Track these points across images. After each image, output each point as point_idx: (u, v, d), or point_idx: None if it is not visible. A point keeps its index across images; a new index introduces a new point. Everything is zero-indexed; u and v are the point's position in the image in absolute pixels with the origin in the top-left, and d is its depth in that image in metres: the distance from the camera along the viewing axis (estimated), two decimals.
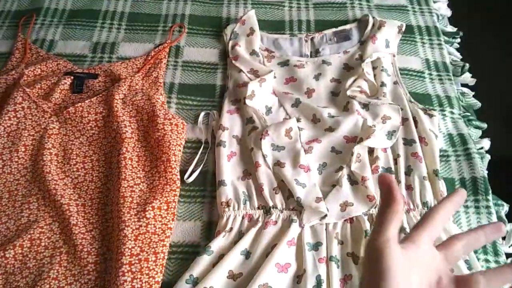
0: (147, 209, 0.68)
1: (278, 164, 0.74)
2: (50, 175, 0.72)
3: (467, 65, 0.93)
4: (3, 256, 0.64)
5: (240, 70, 0.88)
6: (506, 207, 0.74)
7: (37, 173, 0.73)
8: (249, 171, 0.75)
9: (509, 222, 0.73)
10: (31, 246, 0.66)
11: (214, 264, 0.64)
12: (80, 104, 0.81)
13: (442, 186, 0.72)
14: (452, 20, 1.08)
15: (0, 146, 0.75)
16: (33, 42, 0.95)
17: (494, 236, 0.41)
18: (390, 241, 0.35)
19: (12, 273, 0.64)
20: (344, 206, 0.69)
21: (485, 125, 0.86)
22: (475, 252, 0.67)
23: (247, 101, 0.81)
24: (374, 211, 0.69)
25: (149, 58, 0.91)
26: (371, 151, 0.76)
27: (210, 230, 0.70)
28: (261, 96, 0.84)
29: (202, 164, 0.77)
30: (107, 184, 0.74)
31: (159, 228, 0.67)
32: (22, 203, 0.71)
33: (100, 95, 0.82)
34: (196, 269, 0.63)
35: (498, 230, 0.41)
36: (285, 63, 0.91)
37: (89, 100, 0.81)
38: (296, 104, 0.84)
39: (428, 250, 0.38)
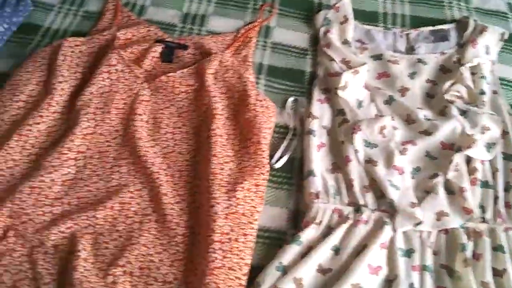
0: (237, 189, 0.66)
1: (370, 161, 0.72)
2: (141, 141, 0.72)
3: None
4: (93, 216, 0.64)
5: (332, 59, 0.85)
6: None
7: (128, 138, 0.73)
8: (338, 164, 0.73)
9: None
10: (121, 209, 0.66)
11: (303, 255, 0.63)
12: (172, 74, 0.80)
13: None
14: None
15: (93, 106, 0.75)
16: (124, 5, 0.94)
17: None
18: None
19: (101, 233, 0.64)
20: (440, 215, 0.67)
21: None
22: None
23: (339, 92, 0.79)
24: (471, 224, 0.66)
25: (239, 35, 0.89)
26: (468, 161, 0.73)
27: (297, 219, 0.69)
28: (353, 88, 0.81)
29: (290, 151, 0.75)
30: (196, 157, 0.73)
31: (248, 210, 0.66)
32: (113, 166, 0.71)
33: (192, 67, 0.81)
34: (285, 258, 0.62)
35: None
36: (378, 57, 0.88)
37: (181, 71, 0.80)
38: (389, 101, 0.81)
39: None
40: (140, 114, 0.75)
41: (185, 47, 0.86)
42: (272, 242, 0.66)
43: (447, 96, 0.79)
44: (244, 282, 0.61)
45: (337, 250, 0.64)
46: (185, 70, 0.81)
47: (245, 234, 0.63)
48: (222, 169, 0.69)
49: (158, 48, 0.85)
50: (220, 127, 0.73)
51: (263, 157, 0.71)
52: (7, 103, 0.75)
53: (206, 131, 0.73)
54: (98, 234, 0.64)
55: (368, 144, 0.74)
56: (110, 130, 0.74)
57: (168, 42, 0.86)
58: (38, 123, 0.73)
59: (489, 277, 0.61)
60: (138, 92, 0.78)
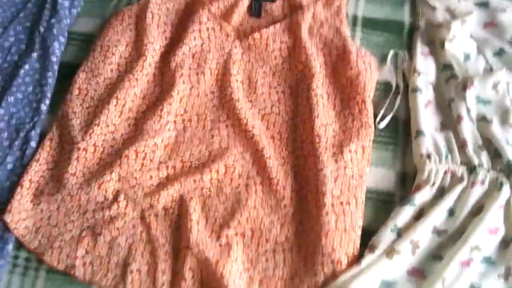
0: (344, 151, 0.64)
1: (484, 119, 0.67)
2: (238, 103, 0.70)
3: None
4: (200, 179, 0.64)
5: (434, 7, 0.79)
6: None
7: (224, 100, 0.72)
8: (447, 122, 0.69)
9: None
10: (225, 172, 0.66)
11: (416, 217, 0.61)
12: (264, 30, 0.76)
13: None
14: None
15: (186, 67, 0.74)
16: None
17: None
18: None
19: (209, 196, 0.64)
20: None
21: None
22: None
23: (447, 45, 0.73)
24: None
25: None
26: None
27: (404, 180, 0.66)
28: (461, 40, 0.75)
29: (394, 110, 0.71)
30: (295, 119, 0.70)
31: (356, 172, 0.64)
32: (212, 128, 0.70)
33: (284, 22, 0.77)
34: (399, 220, 0.60)
35: None
36: (483, 4, 0.80)
37: (273, 26, 0.77)
38: (500, 53, 0.74)
39: None
40: (234, 75, 0.73)
41: None
42: (381, 204, 0.64)
43: None
44: (358, 244, 0.60)
45: (452, 212, 0.61)
46: (277, 25, 0.77)
47: (356, 197, 0.62)
48: (326, 131, 0.66)
49: (246, 2, 0.81)
50: (320, 86, 0.70)
51: (369, 118, 0.68)
52: (100, 65, 0.75)
53: (305, 91, 0.71)
54: (206, 197, 0.64)
55: (481, 101, 0.69)
56: (206, 92, 0.73)
57: None
58: (134, 87, 0.72)
59: None
60: (230, 51, 0.75)
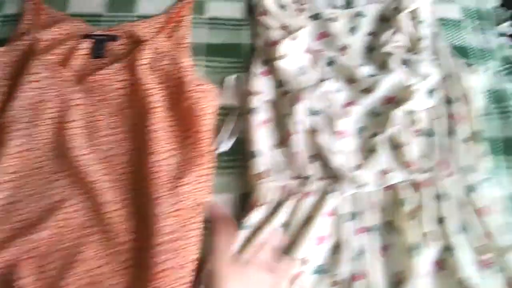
0: (179, 184, 0.66)
1: (313, 130, 0.71)
2: (76, 150, 0.69)
3: (510, 12, 0.86)
4: (36, 238, 0.63)
5: (269, 27, 0.82)
6: None
7: (63, 149, 0.70)
8: (284, 138, 0.72)
9: None
10: (64, 226, 0.65)
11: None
12: (104, 71, 0.77)
13: (483, 148, 0.69)
14: None
15: (23, 120, 0.72)
16: (45, 2, 0.89)
17: None
18: (227, 264, 0.42)
19: (47, 254, 0.63)
20: (383, 173, 0.67)
21: None
22: None
23: (279, 62, 0.77)
24: (413, 176, 0.67)
25: (172, 15, 0.85)
26: (410, 112, 0.72)
27: (245, 202, 0.68)
28: (294, 55, 0.79)
29: (235, 133, 0.74)
30: (137, 158, 0.71)
31: (193, 204, 0.65)
32: (51, 181, 0.69)
33: (124, 60, 0.78)
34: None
35: None
36: (316, 17, 0.85)
37: (112, 66, 0.77)
38: (331, 63, 0.79)
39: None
40: (74, 121, 0.72)
41: (115, 37, 0.83)
42: None
43: (386, 48, 0.77)
44: (189, 280, 0.60)
45: (284, 227, 0.64)
46: (117, 64, 0.78)
47: (190, 230, 0.63)
48: (163, 166, 0.67)
49: (86, 44, 0.81)
50: (159, 121, 0.71)
51: (205, 145, 0.70)
52: None
53: (144, 128, 0.72)
54: (42, 256, 0.62)
55: (311, 112, 0.73)
56: (44, 143, 0.71)
57: (95, 36, 0.82)
58: None
59: (432, 226, 0.62)
60: (70, 97, 0.75)
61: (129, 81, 0.77)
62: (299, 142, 0.70)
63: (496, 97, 0.77)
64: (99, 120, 0.74)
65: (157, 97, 0.74)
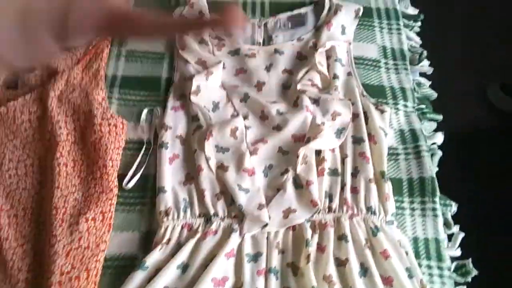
0: (80, 221, 0.65)
1: (221, 167, 0.71)
2: None
3: (425, 52, 0.90)
4: None
5: (187, 61, 0.83)
6: (454, 207, 0.73)
7: None
8: (192, 175, 0.72)
9: (455, 223, 0.72)
10: None
11: (150, 279, 0.62)
12: (12, 102, 0.76)
13: (388, 189, 0.70)
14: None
15: None
16: None
17: None
18: None
19: None
20: (287, 212, 0.67)
21: (440, 117, 0.84)
22: (417, 257, 0.66)
23: (192, 97, 0.77)
24: (317, 217, 0.68)
25: (90, 47, 0.85)
26: (318, 151, 0.73)
27: (150, 241, 0.67)
28: (208, 90, 0.79)
29: (143, 168, 0.73)
30: (41, 192, 0.70)
31: (92, 241, 0.64)
32: None
33: (35, 92, 0.77)
34: (131, 286, 0.61)
35: None
36: (235, 52, 0.86)
37: (22, 98, 0.76)
38: (245, 99, 0.80)
39: None
40: None
41: (30, 69, 0.82)
42: (122, 271, 0.64)
43: (299, 86, 0.79)
44: None
45: (184, 268, 0.63)
46: (27, 96, 0.77)
47: (88, 269, 0.62)
48: (66, 201, 0.66)
49: (1, 75, 0.80)
50: (65, 155, 0.71)
51: (110, 181, 0.69)
52: None
53: (50, 161, 0.71)
54: None
55: (220, 149, 0.73)
56: None
57: None
58: None
59: (331, 270, 0.62)
60: None
61: (38, 113, 0.76)
62: (208, 179, 0.70)
63: (408, 137, 0.79)
64: (6, 153, 0.73)
65: (65, 130, 0.73)
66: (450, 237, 0.71)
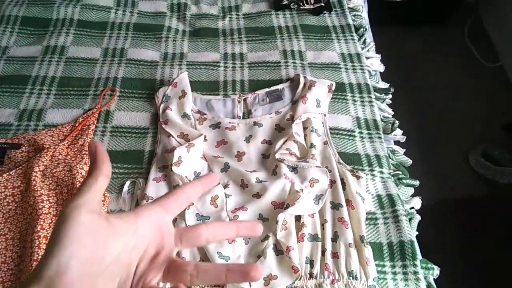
0: None
1: None
2: None
3: (397, 122, 0.95)
4: None
5: (169, 135, 0.87)
6: (436, 271, 0.73)
7: None
8: None
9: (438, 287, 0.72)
10: None
11: None
12: None
13: (368, 253, 0.70)
14: (384, 75, 1.11)
15: None
16: None
17: (247, 233, 0.41)
18: (80, 208, 0.33)
19: None
20: (268, 279, 0.67)
21: (417, 183, 0.87)
22: None
23: (174, 168, 0.79)
24: (298, 283, 0.67)
25: (77, 124, 0.89)
26: (298, 217, 0.74)
27: None
28: (189, 162, 0.82)
29: None
30: (20, 265, 0.69)
31: None
32: None
33: (20, 167, 0.79)
34: None
35: (253, 229, 0.41)
36: (216, 125, 0.91)
37: (7, 174, 0.78)
38: (225, 168, 0.82)
39: (152, 222, 0.38)
40: None
41: (17, 146, 0.85)
42: None
43: (277, 155, 0.82)
44: None
45: None
46: (12, 171, 0.79)
47: None
48: None
49: None
50: (46, 228, 0.71)
51: None
52: None
53: (30, 234, 0.71)
54: None
55: (201, 217, 0.74)
56: None
57: None
58: None
59: None
60: None
61: (22, 188, 0.77)
62: (188, 249, 0.70)
63: (385, 202, 0.80)
64: None
65: (47, 203, 0.74)
66: None
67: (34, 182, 0.76)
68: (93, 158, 0.37)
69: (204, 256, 0.70)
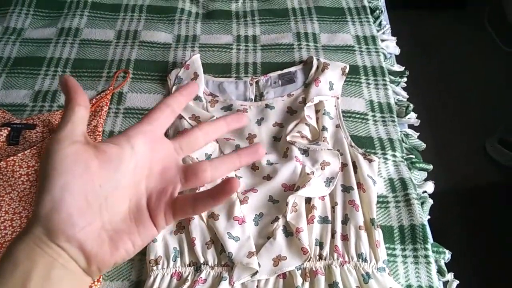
0: None
1: (212, 216, 0.72)
2: None
3: (411, 105, 0.93)
4: None
5: (181, 117, 0.87)
6: (447, 255, 0.72)
7: None
8: (183, 224, 0.73)
9: (449, 271, 0.71)
10: None
11: None
12: (12, 157, 0.78)
13: (378, 236, 0.70)
14: (401, 58, 1.09)
15: None
16: None
17: (250, 158, 0.41)
18: (63, 141, 0.33)
19: None
20: (277, 260, 0.67)
21: (430, 167, 0.86)
22: None
23: None
24: (307, 264, 0.67)
25: (90, 105, 0.90)
26: (308, 199, 0.74)
27: None
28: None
29: None
30: None
31: None
32: None
33: (35, 147, 0.80)
34: None
35: (255, 153, 0.41)
36: (228, 108, 0.90)
37: (22, 153, 0.79)
38: (236, 150, 0.82)
39: (147, 141, 0.38)
40: None
41: (32, 126, 0.86)
42: None
43: (288, 138, 0.82)
44: None
45: None
46: (27, 151, 0.80)
47: None
48: None
49: (3, 132, 0.83)
50: None
51: None
52: None
53: None
54: None
55: None
56: None
57: (13, 124, 0.85)
58: None
59: None
60: None
61: (36, 167, 0.78)
62: (198, 228, 0.71)
63: (397, 185, 0.80)
64: (2, 205, 0.74)
65: None
66: (444, 284, 0.70)
67: None
68: (66, 91, 0.36)
69: (214, 236, 0.70)
